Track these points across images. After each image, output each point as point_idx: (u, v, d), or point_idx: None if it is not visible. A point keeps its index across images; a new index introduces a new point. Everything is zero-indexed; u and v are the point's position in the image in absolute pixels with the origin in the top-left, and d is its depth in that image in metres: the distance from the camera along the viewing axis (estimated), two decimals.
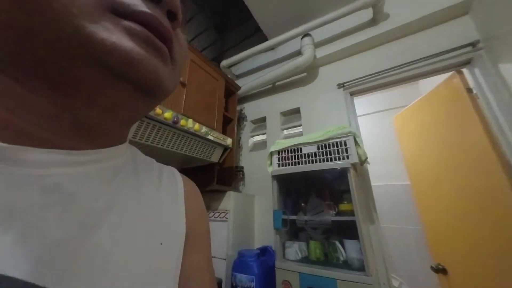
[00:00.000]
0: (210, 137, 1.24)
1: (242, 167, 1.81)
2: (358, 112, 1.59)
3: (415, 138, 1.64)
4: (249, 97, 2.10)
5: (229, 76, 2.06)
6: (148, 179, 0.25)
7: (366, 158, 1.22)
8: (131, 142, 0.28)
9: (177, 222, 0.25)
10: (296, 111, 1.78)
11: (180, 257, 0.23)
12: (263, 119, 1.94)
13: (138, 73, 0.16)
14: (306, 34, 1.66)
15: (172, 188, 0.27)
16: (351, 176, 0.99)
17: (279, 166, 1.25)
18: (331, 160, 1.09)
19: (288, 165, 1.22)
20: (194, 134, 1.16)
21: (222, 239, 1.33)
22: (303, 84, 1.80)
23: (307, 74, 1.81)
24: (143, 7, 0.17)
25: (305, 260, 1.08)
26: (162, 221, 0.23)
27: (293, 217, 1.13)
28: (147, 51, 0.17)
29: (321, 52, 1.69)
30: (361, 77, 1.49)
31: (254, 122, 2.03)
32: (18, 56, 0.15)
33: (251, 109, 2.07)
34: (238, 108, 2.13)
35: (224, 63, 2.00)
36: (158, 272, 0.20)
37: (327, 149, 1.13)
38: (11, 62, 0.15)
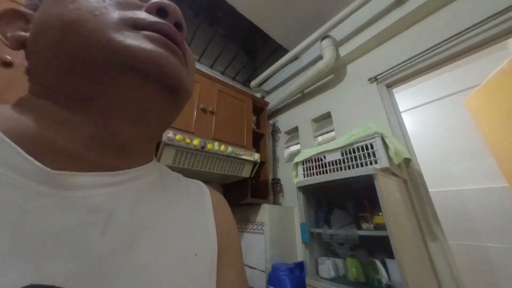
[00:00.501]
0: (236, 155, 1.36)
1: (279, 179, 1.83)
2: (413, 103, 1.35)
3: (502, 121, 1.24)
4: (281, 109, 2.14)
5: (259, 93, 2.19)
6: (177, 194, 0.26)
7: (408, 159, 1.04)
8: (171, 168, 0.33)
9: (208, 233, 0.25)
10: (327, 115, 1.69)
11: (215, 268, 0.23)
12: (296, 129, 1.93)
13: (162, 70, 0.18)
14: (325, 36, 1.60)
15: (200, 201, 0.28)
16: (379, 184, 0.86)
17: (304, 176, 1.22)
18: (356, 166, 0.99)
19: (313, 175, 1.17)
20: (221, 155, 1.31)
21: (260, 251, 1.38)
22: (332, 86, 1.71)
23: (334, 75, 1.70)
24: (156, 19, 0.20)
25: (341, 279, 0.98)
26: (195, 233, 0.24)
27: (319, 230, 1.06)
28: (167, 51, 0.19)
29: (345, 49, 1.57)
30: (396, 65, 1.29)
31: (287, 133, 2.04)
32: (62, 80, 0.18)
33: (284, 121, 2.10)
34: (272, 121, 2.20)
35: (253, 83, 2.15)
36: (196, 284, 0.21)
37: (352, 154, 1.03)
38: (56, 87, 0.18)
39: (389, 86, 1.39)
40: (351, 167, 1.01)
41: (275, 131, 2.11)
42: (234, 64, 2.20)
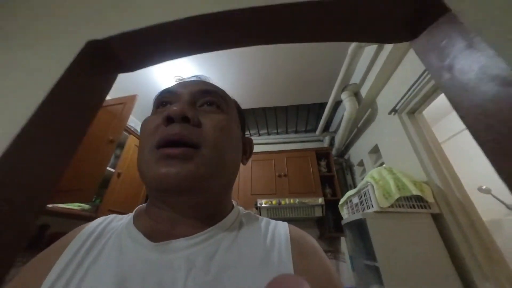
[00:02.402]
0: (302, 204, 1.98)
1: None
2: None
3: None
4: (350, 144, 2.39)
5: (328, 136, 2.63)
6: (254, 238, 0.29)
7: (390, 202, 1.14)
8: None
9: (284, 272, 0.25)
10: (377, 148, 1.80)
11: None
12: (362, 162, 2.10)
13: (165, 187, 0.25)
14: (344, 88, 1.89)
15: (276, 241, 0.29)
16: (370, 227, 1.12)
17: (348, 215, 1.56)
18: (362, 210, 1.26)
19: (353, 213, 1.50)
20: (292, 206, 2.01)
21: (343, 279, 1.74)
22: (373, 119, 1.83)
23: (371, 110, 1.84)
24: (164, 133, 0.26)
25: None
26: (270, 276, 0.23)
27: (368, 262, 1.34)
28: (167, 164, 0.24)
29: (365, 88, 1.74)
30: (407, 91, 1.34)
31: (359, 165, 2.23)
32: (152, 195, 0.29)
33: (354, 154, 2.31)
34: (346, 156, 2.47)
35: (317, 132, 2.65)
36: None
37: (363, 198, 1.31)
38: (150, 197, 0.29)
39: (413, 112, 1.39)
40: (360, 211, 1.30)
41: (348, 166, 2.37)
42: (301, 121, 2.87)
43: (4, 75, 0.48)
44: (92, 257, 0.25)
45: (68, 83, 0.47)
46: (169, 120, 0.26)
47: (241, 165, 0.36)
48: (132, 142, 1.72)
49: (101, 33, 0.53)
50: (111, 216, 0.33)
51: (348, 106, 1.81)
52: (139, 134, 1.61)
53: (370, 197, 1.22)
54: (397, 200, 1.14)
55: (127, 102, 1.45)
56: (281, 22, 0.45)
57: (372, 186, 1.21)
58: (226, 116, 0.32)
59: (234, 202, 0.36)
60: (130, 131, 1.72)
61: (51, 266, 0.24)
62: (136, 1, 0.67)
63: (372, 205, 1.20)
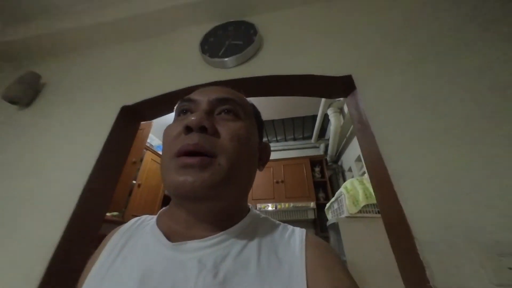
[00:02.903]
0: (296, 208, 2.24)
1: None
2: None
3: None
4: (342, 151, 2.60)
5: (323, 143, 2.85)
6: (263, 251, 0.27)
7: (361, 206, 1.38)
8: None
9: (295, 280, 0.24)
10: (359, 157, 2.01)
11: None
12: (351, 169, 2.32)
13: (183, 194, 0.26)
14: (329, 105, 2.12)
15: (289, 258, 0.27)
16: (341, 229, 1.37)
17: (331, 218, 1.80)
18: (338, 215, 1.51)
19: (334, 217, 1.74)
20: (288, 210, 2.27)
21: None
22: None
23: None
24: (183, 142, 0.27)
25: None
26: (279, 282, 0.24)
27: (342, 257, 1.58)
28: (185, 173, 0.25)
29: None
30: None
31: (349, 171, 2.44)
32: (171, 196, 0.31)
33: (346, 161, 2.52)
34: (338, 164, 2.69)
35: (312, 140, 2.88)
36: None
37: (339, 205, 1.55)
38: (173, 200, 0.31)
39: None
40: (336, 215, 1.55)
41: (341, 171, 2.58)
42: (298, 129, 3.11)
43: (69, 130, 0.84)
44: (125, 252, 0.29)
45: (112, 138, 0.81)
46: (188, 129, 0.27)
47: None
48: (149, 157, 2.06)
49: (131, 100, 0.86)
50: (144, 216, 0.37)
51: (333, 121, 2.04)
52: (153, 147, 1.93)
53: (343, 205, 1.46)
54: (364, 206, 1.38)
55: (145, 128, 1.79)
56: (269, 84, 0.79)
57: (344, 195, 1.45)
58: (243, 123, 0.32)
59: (250, 206, 0.36)
60: (147, 148, 2.07)
61: (95, 260, 0.30)
62: (151, 76, 0.99)
63: (344, 211, 1.45)
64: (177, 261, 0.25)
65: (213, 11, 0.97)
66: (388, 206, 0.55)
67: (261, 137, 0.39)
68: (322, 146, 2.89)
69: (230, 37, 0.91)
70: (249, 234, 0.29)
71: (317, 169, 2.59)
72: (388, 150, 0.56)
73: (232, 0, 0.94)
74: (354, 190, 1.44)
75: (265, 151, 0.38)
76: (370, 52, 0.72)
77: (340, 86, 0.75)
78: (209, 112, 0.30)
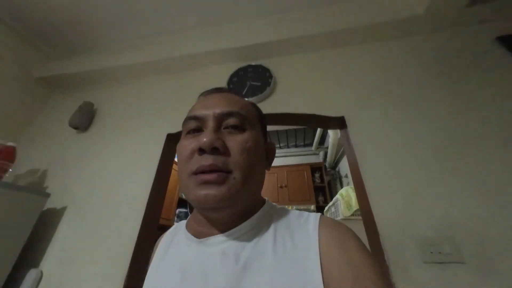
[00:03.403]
0: (297, 209, 2.49)
1: None
2: None
3: None
4: (338, 159, 2.86)
5: (323, 150, 3.11)
6: (279, 239, 0.30)
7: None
8: None
9: (310, 266, 0.25)
10: None
11: None
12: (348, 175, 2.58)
13: (204, 205, 0.30)
14: None
15: (302, 243, 0.28)
16: None
17: None
18: (335, 217, 1.76)
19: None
20: None
21: None
22: None
23: None
24: (199, 163, 0.29)
25: None
26: (295, 268, 0.26)
27: None
28: (205, 188, 0.28)
29: None
30: None
31: (346, 176, 2.70)
32: (196, 208, 0.35)
33: (343, 168, 2.78)
34: (336, 170, 2.95)
35: (313, 147, 3.14)
36: None
37: (335, 208, 1.81)
38: (196, 208, 0.35)
39: None
40: (334, 218, 1.80)
41: (338, 177, 2.84)
42: (300, 137, 3.37)
43: (128, 155, 1.10)
44: (170, 249, 0.36)
45: (163, 159, 1.07)
46: (201, 151, 0.30)
47: None
48: None
49: (174, 129, 1.11)
50: (179, 223, 0.43)
51: (331, 134, 2.29)
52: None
53: (339, 209, 1.72)
54: (356, 210, 1.64)
55: None
56: (282, 118, 1.05)
57: (340, 201, 1.71)
58: (249, 134, 0.33)
59: (266, 199, 0.38)
60: None
61: (153, 256, 0.39)
62: (189, 106, 1.24)
63: (340, 214, 1.71)
64: (205, 253, 0.30)
65: (237, 55, 1.23)
66: (365, 212, 0.81)
67: (265, 137, 0.41)
68: (321, 153, 3.15)
69: (250, 79, 1.17)
70: (266, 223, 0.32)
71: (317, 174, 2.85)
72: (366, 172, 0.82)
73: (253, 47, 1.20)
74: (348, 197, 1.70)
75: (271, 149, 0.40)
76: (358, 99, 0.98)
77: (336, 123, 1.00)
78: (217, 129, 0.32)
